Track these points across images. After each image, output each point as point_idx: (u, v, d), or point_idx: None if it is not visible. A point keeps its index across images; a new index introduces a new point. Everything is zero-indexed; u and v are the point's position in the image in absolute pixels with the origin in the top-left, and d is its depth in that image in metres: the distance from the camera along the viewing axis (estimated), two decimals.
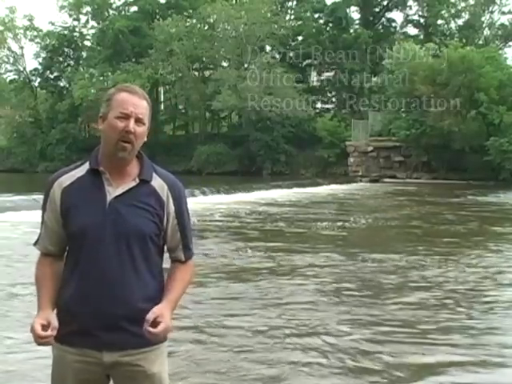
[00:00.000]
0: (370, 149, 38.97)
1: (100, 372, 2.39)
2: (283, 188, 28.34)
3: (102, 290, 2.33)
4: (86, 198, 2.37)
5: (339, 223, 15.93)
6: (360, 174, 38.49)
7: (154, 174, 2.45)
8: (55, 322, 2.32)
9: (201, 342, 5.88)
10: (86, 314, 2.34)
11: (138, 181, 2.40)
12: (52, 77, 54.02)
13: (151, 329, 2.26)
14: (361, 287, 8.43)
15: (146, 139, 2.44)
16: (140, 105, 2.38)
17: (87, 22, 54.13)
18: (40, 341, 2.29)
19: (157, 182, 2.43)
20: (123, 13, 53.07)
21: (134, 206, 2.37)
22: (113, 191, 2.37)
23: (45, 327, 2.29)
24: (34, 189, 24.84)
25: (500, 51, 42.58)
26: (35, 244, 2.50)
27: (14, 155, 50.93)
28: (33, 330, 2.29)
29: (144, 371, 2.40)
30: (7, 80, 56.24)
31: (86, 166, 2.43)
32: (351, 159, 39.84)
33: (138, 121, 2.37)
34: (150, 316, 2.27)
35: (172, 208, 2.44)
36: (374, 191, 29.64)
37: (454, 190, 28.99)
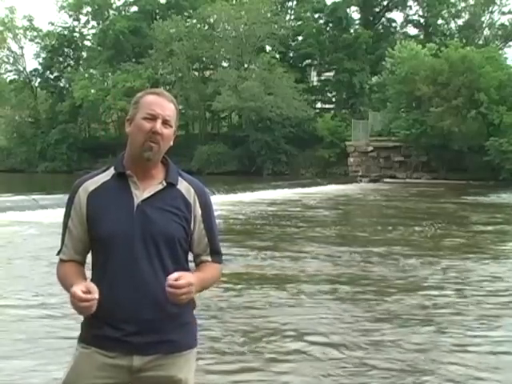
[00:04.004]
0: (370, 149, 38.98)
1: (125, 377, 2.32)
2: (301, 187, 28.25)
3: (133, 295, 2.29)
4: (113, 202, 2.33)
5: (415, 228, 14.47)
6: (360, 174, 38.47)
7: (180, 178, 2.42)
8: (95, 288, 2.19)
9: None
10: (118, 319, 2.29)
11: (164, 184, 2.37)
12: (52, 77, 54.10)
13: (174, 281, 2.19)
14: None
15: (172, 143, 2.41)
16: (167, 107, 2.37)
17: (87, 22, 54.29)
18: (82, 305, 2.17)
19: (183, 186, 2.41)
20: (123, 13, 53.12)
21: (162, 209, 2.34)
22: (140, 194, 2.34)
23: (86, 293, 2.18)
24: (33, 189, 24.97)
25: (500, 51, 42.60)
26: (58, 253, 2.41)
27: (13, 155, 50.96)
28: (74, 296, 2.17)
29: (171, 377, 2.36)
30: (7, 80, 56.26)
31: (111, 171, 2.40)
32: (351, 159, 39.86)
33: (165, 123, 2.35)
34: (174, 274, 2.22)
35: (199, 212, 2.40)
36: (396, 192, 28.37)
37: (475, 189, 28.60)
